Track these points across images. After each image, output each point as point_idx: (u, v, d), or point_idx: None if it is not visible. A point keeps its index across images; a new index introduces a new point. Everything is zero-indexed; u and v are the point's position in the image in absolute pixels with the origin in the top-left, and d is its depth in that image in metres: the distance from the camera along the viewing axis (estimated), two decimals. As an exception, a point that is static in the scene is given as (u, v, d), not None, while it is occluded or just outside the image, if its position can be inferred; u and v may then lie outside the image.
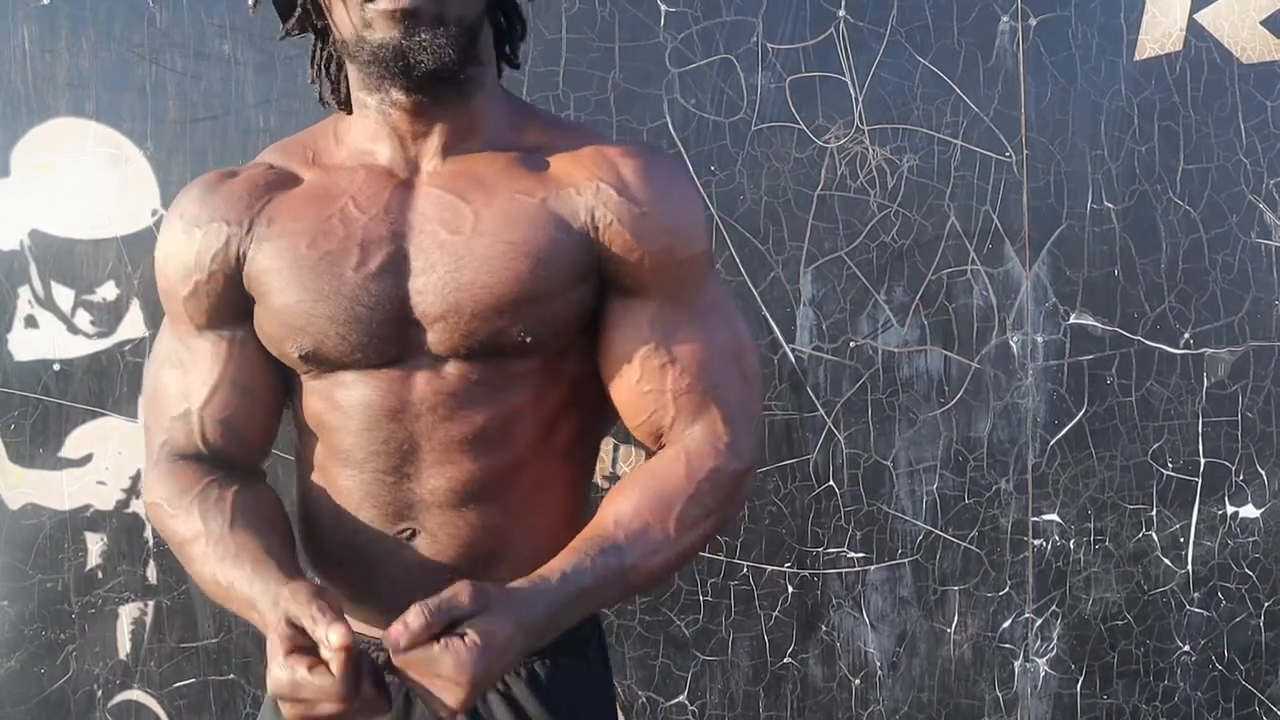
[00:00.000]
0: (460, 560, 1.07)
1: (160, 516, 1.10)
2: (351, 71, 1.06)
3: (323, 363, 1.06)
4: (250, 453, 1.15)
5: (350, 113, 1.09)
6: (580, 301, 1.06)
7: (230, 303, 1.10)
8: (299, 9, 1.06)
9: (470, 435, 1.05)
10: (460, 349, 1.03)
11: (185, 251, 1.12)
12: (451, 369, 1.04)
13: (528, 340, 1.02)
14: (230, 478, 1.10)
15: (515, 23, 1.13)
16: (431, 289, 1.02)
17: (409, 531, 1.08)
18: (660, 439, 1.10)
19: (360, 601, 1.12)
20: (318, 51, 1.12)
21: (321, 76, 1.12)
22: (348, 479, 1.09)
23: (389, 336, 1.03)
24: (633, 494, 1.04)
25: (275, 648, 0.89)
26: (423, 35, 0.97)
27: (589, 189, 1.04)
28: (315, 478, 1.13)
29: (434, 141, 1.06)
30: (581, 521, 1.09)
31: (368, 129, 1.07)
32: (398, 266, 1.03)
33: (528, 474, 1.09)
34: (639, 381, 1.06)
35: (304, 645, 0.89)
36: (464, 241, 1.02)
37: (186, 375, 1.12)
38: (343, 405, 1.07)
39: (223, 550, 1.03)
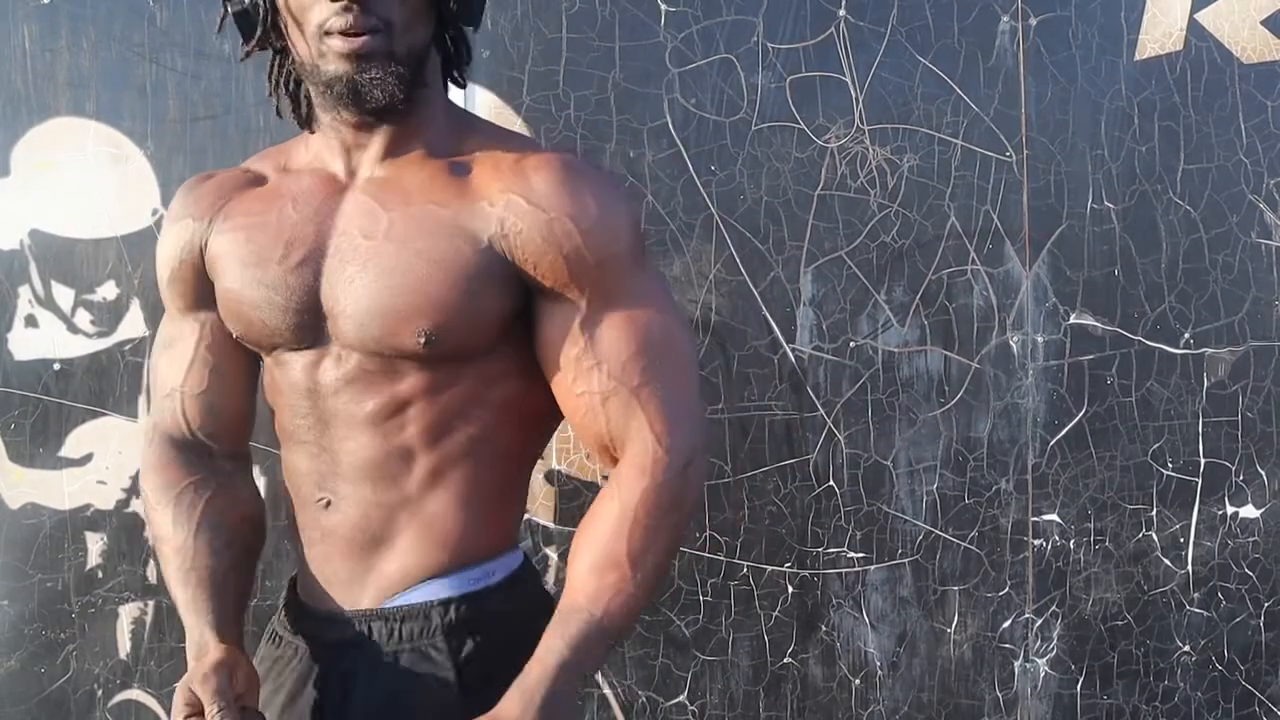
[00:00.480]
0: (358, 533, 1.16)
1: (146, 506, 1.25)
2: (310, 89, 1.15)
3: (253, 344, 1.19)
4: (228, 430, 1.27)
5: (310, 129, 1.20)
6: (486, 311, 1.11)
7: (198, 289, 1.23)
8: (259, 30, 1.13)
9: (367, 418, 1.14)
10: (357, 343, 1.12)
11: (165, 244, 1.25)
12: (353, 357, 1.13)
13: (423, 344, 1.09)
14: (209, 478, 1.24)
15: (461, 48, 1.20)
16: (338, 286, 1.12)
17: (325, 500, 1.18)
18: (603, 447, 1.15)
19: (305, 569, 1.23)
20: (275, 69, 1.19)
21: (280, 92, 1.20)
22: (290, 450, 1.22)
23: (302, 325, 1.14)
24: (581, 552, 1.10)
25: (177, 708, 1.06)
26: (374, 72, 1.06)
27: (500, 200, 1.09)
28: (281, 450, 1.25)
29: (373, 151, 1.15)
30: (491, 515, 1.17)
31: (323, 140, 1.17)
32: (315, 264, 1.13)
33: (420, 462, 1.14)
34: (573, 383, 1.12)
35: (199, 713, 1.06)
36: (374, 246, 1.10)
37: (173, 361, 1.26)
38: (280, 383, 1.20)
39: (180, 561, 1.19)
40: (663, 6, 2.00)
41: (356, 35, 1.05)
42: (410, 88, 1.10)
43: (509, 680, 1.09)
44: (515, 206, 1.09)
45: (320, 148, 1.18)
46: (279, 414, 1.22)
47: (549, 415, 1.20)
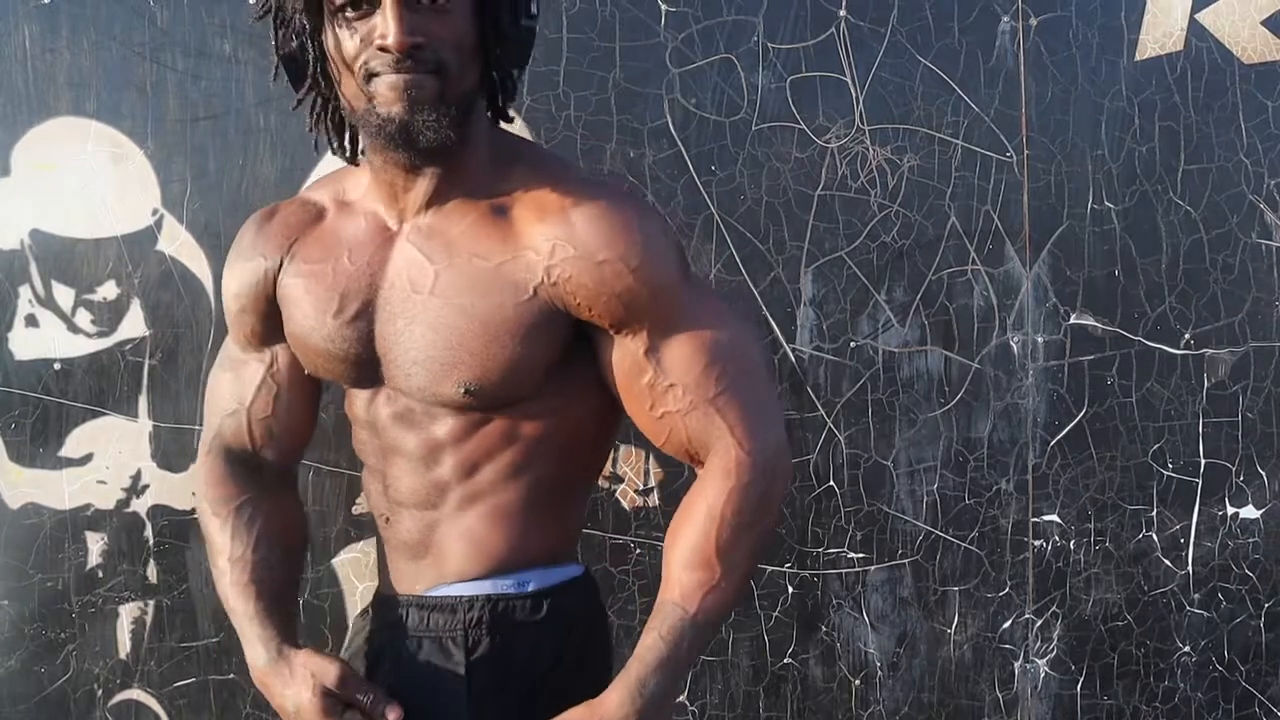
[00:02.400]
0: (410, 544, 1.25)
1: (203, 515, 1.34)
2: (359, 128, 1.18)
3: (323, 380, 1.31)
4: (285, 451, 1.36)
5: (357, 164, 1.25)
6: (530, 360, 1.15)
7: (269, 322, 1.30)
8: (309, 79, 1.17)
9: (410, 454, 1.22)
10: (405, 389, 1.19)
11: (236, 278, 1.31)
12: (401, 399, 1.21)
13: (463, 394, 1.15)
14: (264, 494, 1.33)
15: (508, 84, 1.23)
16: (388, 338, 1.19)
17: (385, 517, 1.29)
18: (691, 456, 1.19)
19: (381, 563, 1.34)
20: (318, 108, 1.22)
21: (327, 130, 1.23)
22: (364, 469, 1.34)
23: (359, 370, 1.23)
24: (673, 551, 1.16)
25: (315, 708, 1.15)
26: (427, 114, 1.08)
27: (545, 249, 1.12)
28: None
29: (420, 194, 1.18)
30: (526, 532, 1.23)
31: (374, 181, 1.21)
32: (368, 315, 1.20)
33: (454, 492, 1.22)
34: (652, 409, 1.16)
35: (350, 705, 1.17)
36: (421, 301, 1.15)
37: (239, 380, 1.34)
38: (352, 410, 1.31)
39: (237, 574, 1.27)
40: (663, 6, 2.00)
41: (409, 74, 1.07)
42: (459, 131, 1.12)
43: (519, 689, 1.17)
44: (562, 254, 1.12)
45: (372, 187, 1.22)
46: (354, 436, 1.33)
47: (592, 443, 1.27)
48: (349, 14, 1.08)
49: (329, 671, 1.17)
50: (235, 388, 1.34)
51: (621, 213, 1.14)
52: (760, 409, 1.16)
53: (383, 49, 1.06)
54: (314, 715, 1.15)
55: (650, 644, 1.14)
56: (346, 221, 1.24)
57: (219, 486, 1.33)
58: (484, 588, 1.22)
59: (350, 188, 1.27)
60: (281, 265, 1.26)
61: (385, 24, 1.05)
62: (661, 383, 1.14)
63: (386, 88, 1.08)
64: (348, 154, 1.24)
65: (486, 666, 1.20)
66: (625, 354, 1.16)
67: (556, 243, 1.12)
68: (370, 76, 1.08)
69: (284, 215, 1.29)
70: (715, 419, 1.14)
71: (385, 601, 1.30)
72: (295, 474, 1.43)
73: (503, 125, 1.29)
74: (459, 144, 1.12)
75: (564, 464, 1.25)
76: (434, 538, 1.24)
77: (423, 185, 1.17)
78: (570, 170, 1.24)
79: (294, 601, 1.37)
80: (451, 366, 1.14)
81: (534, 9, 1.19)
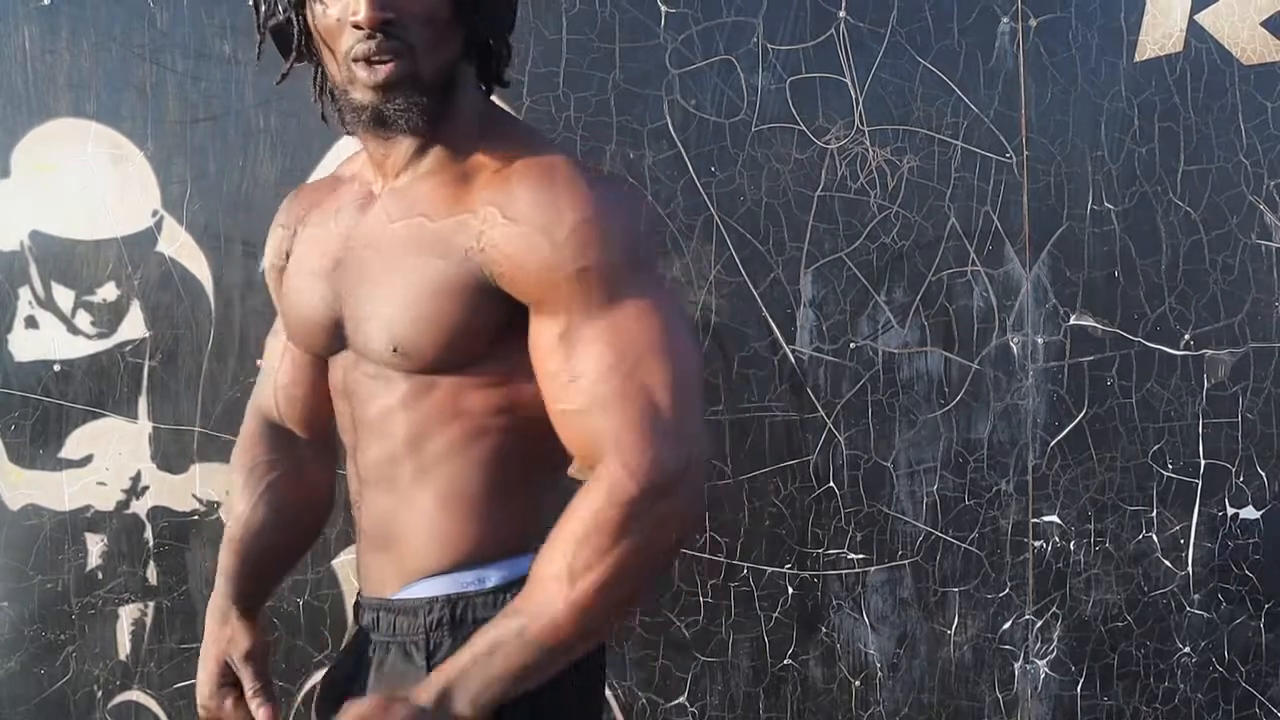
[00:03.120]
0: (376, 531, 1.22)
1: (231, 472, 1.38)
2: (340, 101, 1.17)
3: (304, 349, 1.30)
4: (306, 420, 1.36)
5: (350, 133, 1.22)
6: (461, 324, 1.10)
7: None
8: (294, 51, 1.16)
9: (369, 424, 1.19)
10: (356, 347, 1.18)
11: (268, 251, 1.36)
12: (362, 363, 1.18)
13: (393, 352, 1.11)
14: (283, 459, 1.35)
15: (501, 50, 1.21)
16: (345, 295, 1.18)
17: (357, 505, 1.26)
18: (587, 461, 1.09)
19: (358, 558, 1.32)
20: (318, 78, 1.20)
21: (325, 100, 1.21)
22: (344, 450, 1.30)
23: (325, 331, 1.21)
24: (540, 557, 1.06)
25: (210, 673, 1.26)
26: (399, 102, 1.08)
27: (481, 212, 1.09)
28: None
29: (398, 161, 1.17)
30: (482, 519, 1.15)
31: (364, 149, 1.22)
32: (338, 273, 1.19)
33: (405, 467, 1.16)
34: (553, 401, 1.08)
35: (232, 684, 1.25)
36: (369, 257, 1.15)
37: (273, 346, 1.39)
38: (331, 384, 1.28)
39: (231, 529, 1.32)
40: (663, 8, 2.00)
41: (381, 63, 1.07)
42: (437, 108, 1.11)
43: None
44: (491, 219, 1.07)
45: (364, 157, 1.24)
46: (335, 414, 1.29)
47: (550, 426, 1.15)
48: None
49: (240, 645, 1.21)
50: (270, 354, 1.39)
51: (567, 183, 1.07)
52: (660, 425, 1.02)
53: (355, 25, 1.06)
54: (203, 679, 1.23)
55: (477, 644, 1.03)
56: (345, 189, 1.26)
57: (246, 449, 1.36)
58: (444, 585, 1.15)
59: (363, 161, 1.28)
60: (295, 234, 1.30)
61: (356, 0, 1.05)
62: (564, 375, 1.06)
63: (361, 74, 1.08)
64: (346, 126, 1.21)
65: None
66: (540, 336, 1.08)
67: (489, 207, 1.08)
68: (351, 60, 1.08)
69: (309, 189, 1.35)
70: (607, 430, 1.03)
71: (359, 604, 1.26)
72: (328, 445, 1.38)
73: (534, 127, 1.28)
74: (437, 118, 1.12)
75: (519, 445, 1.16)
76: (395, 527, 1.18)
77: (401, 153, 1.16)
78: (538, 143, 1.18)
79: (274, 569, 1.37)
80: (384, 323, 1.12)
81: None
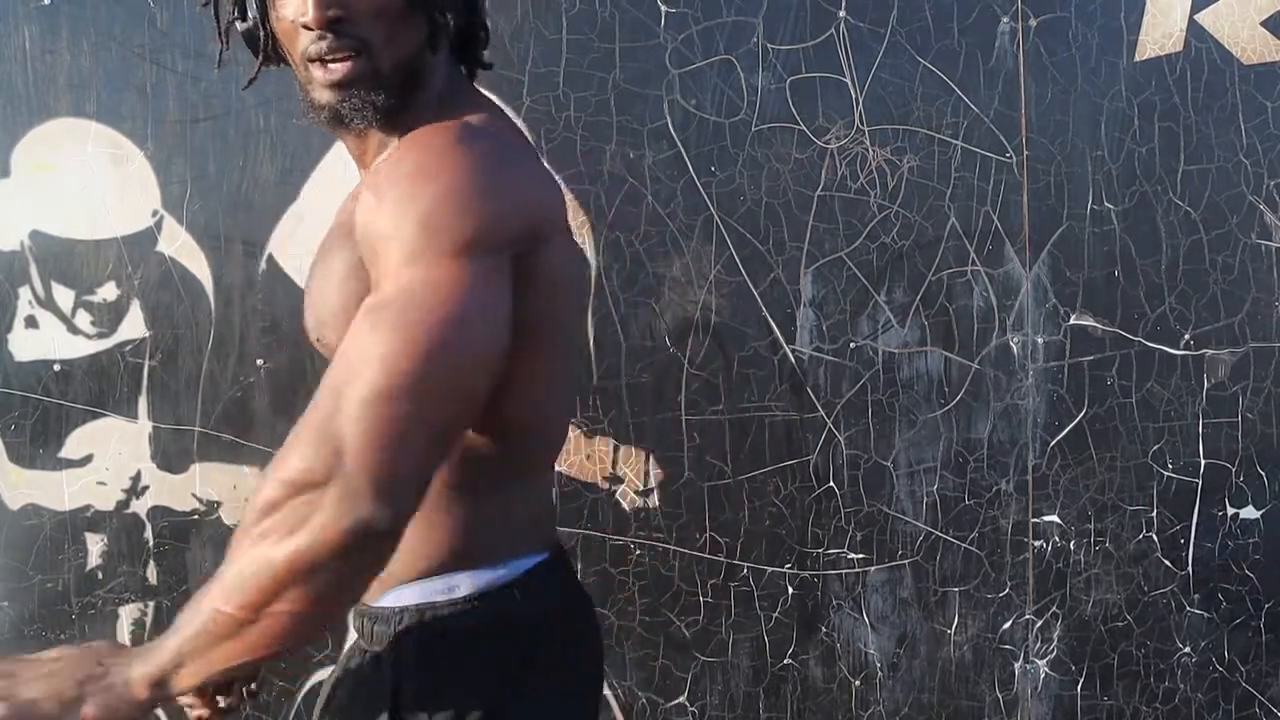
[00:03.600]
0: None
1: None
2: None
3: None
4: None
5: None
6: (349, 306, 1.01)
7: None
8: (261, 55, 1.14)
9: None
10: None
11: None
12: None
13: (318, 341, 1.11)
14: None
15: (479, 33, 1.17)
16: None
17: None
18: None
19: None
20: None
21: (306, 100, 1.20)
22: None
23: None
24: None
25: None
26: (354, 101, 1.05)
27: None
28: None
29: (369, 156, 1.14)
30: (441, 526, 1.09)
31: None
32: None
33: None
34: None
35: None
36: (319, 252, 1.14)
37: None
38: None
39: None
40: (663, 8, 2.00)
41: (335, 61, 1.04)
42: (399, 101, 1.07)
43: (445, 698, 1.04)
44: (364, 194, 1.01)
45: None
46: None
47: (502, 424, 1.08)
48: None
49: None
50: None
51: (409, 153, 0.99)
52: (328, 431, 0.90)
53: (305, 26, 1.04)
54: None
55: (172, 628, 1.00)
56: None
57: None
58: (415, 594, 1.09)
59: None
60: None
61: (304, 1, 1.03)
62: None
63: (318, 77, 1.05)
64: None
65: (413, 676, 1.08)
66: None
67: (371, 180, 1.02)
68: (308, 61, 1.06)
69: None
70: (297, 431, 0.93)
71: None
72: None
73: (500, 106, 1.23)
74: (399, 110, 1.08)
75: (480, 452, 1.09)
76: None
77: (373, 146, 1.13)
78: (478, 118, 1.10)
79: None
80: (310, 311, 1.12)
81: None
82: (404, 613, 1.10)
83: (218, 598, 0.94)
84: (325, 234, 1.17)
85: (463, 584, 1.10)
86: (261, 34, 1.12)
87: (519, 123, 2.01)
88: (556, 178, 1.19)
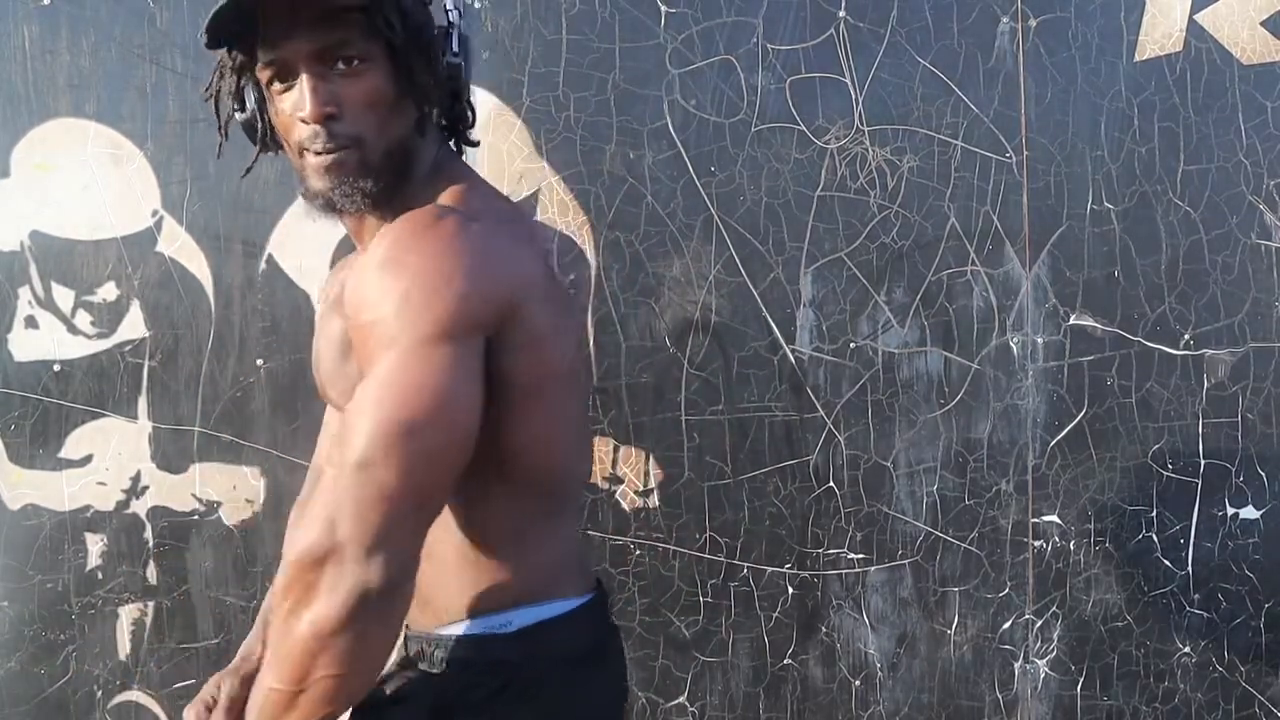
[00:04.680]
0: None
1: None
2: None
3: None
4: None
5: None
6: (346, 374, 1.15)
7: None
8: (259, 144, 1.23)
9: None
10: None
11: None
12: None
13: (326, 397, 1.22)
14: None
15: (466, 114, 1.26)
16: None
17: None
18: None
19: None
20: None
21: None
22: None
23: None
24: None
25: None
26: (345, 188, 1.12)
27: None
28: None
29: (366, 235, 1.20)
30: (482, 576, 1.18)
31: None
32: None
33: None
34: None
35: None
36: (321, 322, 1.24)
37: None
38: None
39: None
40: (662, 8, 2.00)
41: (328, 153, 1.11)
42: (389, 185, 1.14)
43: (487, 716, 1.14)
44: (351, 277, 1.09)
45: None
46: None
47: (546, 473, 1.17)
48: (277, 86, 1.14)
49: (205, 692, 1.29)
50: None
51: (394, 233, 1.05)
52: (330, 504, 0.99)
53: (303, 120, 1.11)
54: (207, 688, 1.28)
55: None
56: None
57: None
58: (478, 627, 1.18)
59: None
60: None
61: (301, 98, 1.10)
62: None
63: (312, 166, 1.13)
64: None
65: (459, 702, 1.16)
66: None
67: (359, 264, 1.09)
68: (303, 151, 1.13)
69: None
70: (312, 507, 1.01)
71: (407, 636, 1.28)
72: None
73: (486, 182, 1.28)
74: (390, 193, 1.15)
75: (520, 497, 1.17)
76: (423, 584, 1.16)
77: (370, 226, 1.20)
78: (453, 197, 1.16)
79: None
80: (316, 369, 1.24)
81: (454, 46, 1.20)
82: (465, 642, 1.18)
83: (269, 678, 1.03)
84: (324, 291, 1.29)
85: (515, 620, 1.18)
86: (260, 125, 1.20)
87: (518, 124, 2.01)
88: (545, 231, 1.31)
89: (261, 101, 1.19)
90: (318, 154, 1.12)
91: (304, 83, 1.10)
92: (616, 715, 1.29)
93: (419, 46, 1.15)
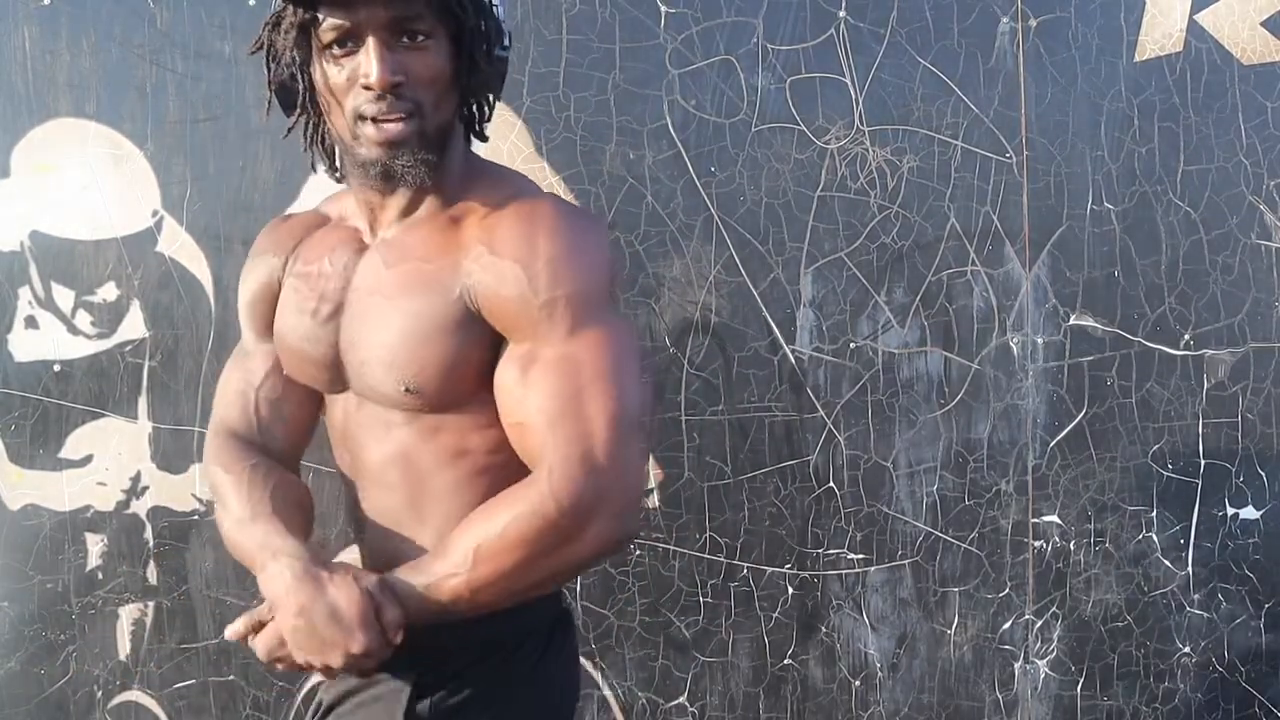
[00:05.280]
0: (377, 563, 1.25)
1: (213, 477, 1.32)
2: (340, 153, 1.25)
3: (303, 382, 1.32)
4: (290, 435, 1.37)
5: (341, 181, 1.29)
6: (462, 361, 1.18)
7: (274, 316, 1.34)
8: (299, 107, 1.23)
9: (368, 466, 1.26)
10: (360, 390, 1.24)
11: (250, 276, 1.37)
12: (365, 404, 1.24)
13: (404, 392, 1.18)
14: (274, 464, 1.33)
15: (483, 109, 1.28)
16: (347, 339, 1.23)
17: (361, 536, 1.32)
18: (531, 465, 1.19)
19: None
20: (310, 130, 1.27)
21: (317, 150, 1.28)
22: (342, 486, 1.35)
23: (328, 371, 1.27)
24: (465, 523, 1.16)
25: (361, 606, 1.13)
26: (405, 159, 1.15)
27: (472, 252, 1.17)
28: None
29: (392, 211, 1.24)
30: None
31: (355, 198, 1.28)
32: (337, 317, 1.25)
33: (410, 508, 1.24)
34: (506, 415, 1.17)
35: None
36: (371, 302, 1.21)
37: (248, 367, 1.38)
38: (329, 424, 1.35)
39: (259, 509, 1.25)
40: (663, 8, 2.00)
41: (389, 121, 1.14)
42: (439, 161, 1.18)
43: (468, 699, 1.20)
44: (480, 257, 1.15)
45: (351, 202, 1.30)
46: (334, 454, 1.35)
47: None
48: (336, 51, 1.15)
49: (370, 575, 1.15)
50: (243, 374, 1.38)
51: (544, 220, 1.16)
52: (588, 454, 1.11)
53: (366, 87, 1.13)
54: (359, 612, 1.12)
55: (406, 572, 1.15)
56: (334, 232, 1.31)
57: (228, 452, 1.32)
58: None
59: (344, 204, 1.35)
60: (286, 264, 1.33)
61: (368, 63, 1.12)
62: (518, 391, 1.14)
63: (370, 132, 1.15)
64: (336, 175, 1.29)
65: (431, 676, 1.22)
66: (507, 358, 1.17)
67: (479, 246, 1.16)
68: (358, 118, 1.15)
69: (295, 220, 1.38)
70: (547, 449, 1.11)
71: None
72: (298, 470, 1.41)
73: (515, 170, 1.34)
74: (433, 171, 1.19)
75: (509, 481, 1.21)
76: (397, 556, 1.23)
77: (395, 204, 1.23)
78: (527, 185, 1.26)
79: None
80: (391, 364, 1.18)
81: (506, 41, 1.24)
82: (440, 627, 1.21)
83: (482, 589, 1.13)
84: (347, 286, 1.24)
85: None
86: (301, 87, 1.21)
87: (518, 124, 2.01)
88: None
89: (303, 64, 1.19)
90: (377, 121, 1.14)
91: (371, 49, 1.12)
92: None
93: (483, 33, 1.19)
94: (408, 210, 1.23)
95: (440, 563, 1.13)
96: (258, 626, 1.17)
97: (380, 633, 1.11)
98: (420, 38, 1.14)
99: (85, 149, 2.01)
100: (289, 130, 1.27)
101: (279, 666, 1.17)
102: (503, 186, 1.24)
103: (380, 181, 1.18)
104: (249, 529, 1.23)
